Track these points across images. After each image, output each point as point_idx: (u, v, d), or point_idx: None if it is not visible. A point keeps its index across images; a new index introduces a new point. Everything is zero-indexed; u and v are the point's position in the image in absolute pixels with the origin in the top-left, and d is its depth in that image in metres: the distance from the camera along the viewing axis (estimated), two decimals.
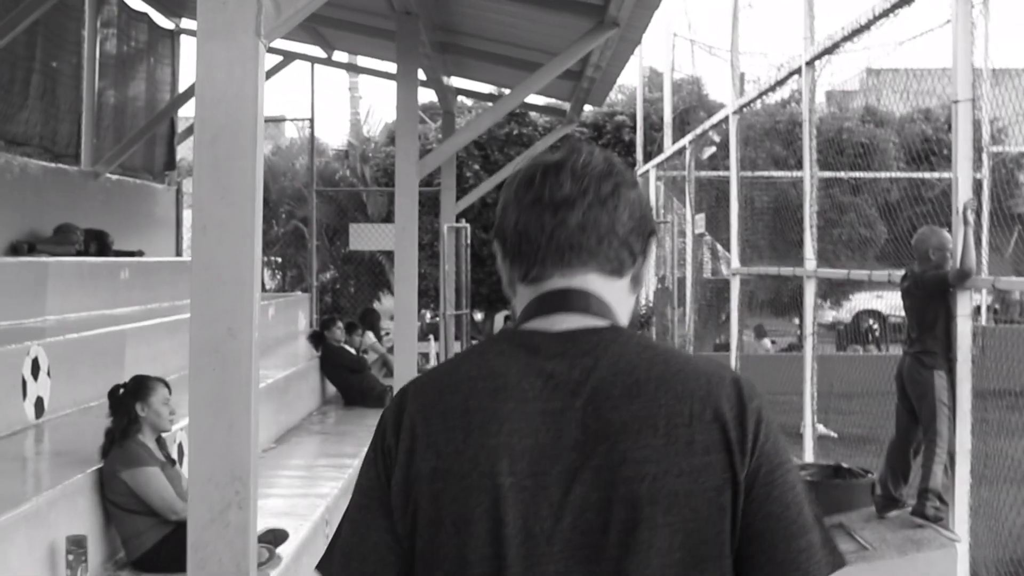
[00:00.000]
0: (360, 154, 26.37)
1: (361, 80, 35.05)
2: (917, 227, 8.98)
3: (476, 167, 23.80)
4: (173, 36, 17.71)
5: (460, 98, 19.78)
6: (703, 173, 17.22)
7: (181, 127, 18.08)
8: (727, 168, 14.28)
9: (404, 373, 9.41)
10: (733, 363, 13.39)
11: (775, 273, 13.12)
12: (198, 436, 3.78)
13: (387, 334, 17.03)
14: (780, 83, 11.61)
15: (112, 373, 8.32)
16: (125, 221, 14.71)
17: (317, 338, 14.52)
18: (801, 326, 23.08)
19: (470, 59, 13.69)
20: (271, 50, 16.39)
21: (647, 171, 21.18)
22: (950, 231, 7.93)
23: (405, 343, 9.70)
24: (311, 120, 20.96)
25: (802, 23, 10.71)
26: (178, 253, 17.52)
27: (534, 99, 16.57)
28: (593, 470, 1.76)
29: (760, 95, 12.48)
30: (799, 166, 19.44)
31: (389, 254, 20.79)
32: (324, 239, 24.66)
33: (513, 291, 1.98)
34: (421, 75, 13.71)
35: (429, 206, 21.72)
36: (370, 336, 16.08)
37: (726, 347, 19.07)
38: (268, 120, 34.69)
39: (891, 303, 23.90)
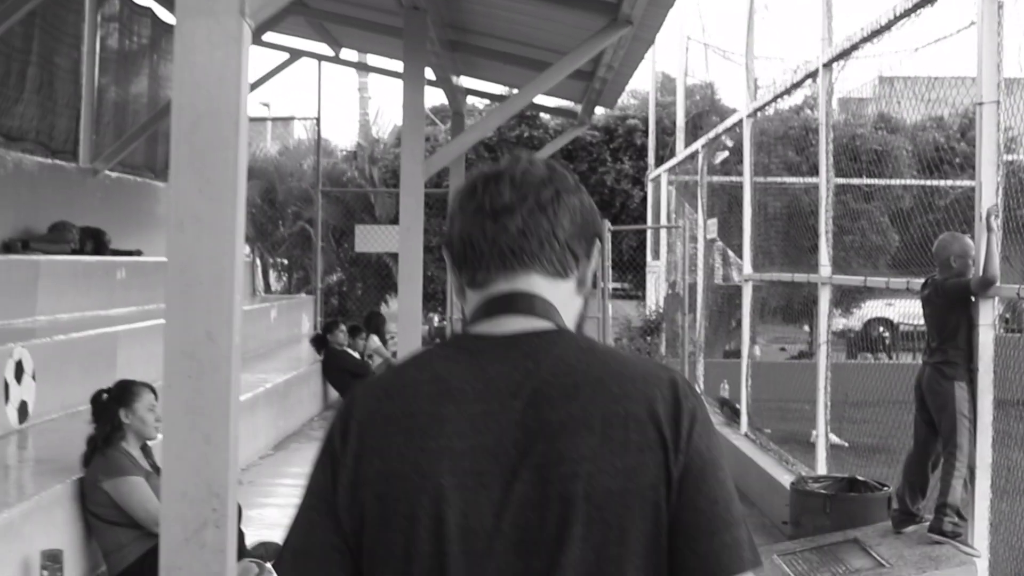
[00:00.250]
0: (369, 155, 26.25)
1: (371, 81, 34.99)
2: (928, 235, 8.79)
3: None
4: None
5: (472, 101, 19.54)
6: (715, 178, 17.00)
7: None
8: (739, 173, 14.10)
9: None
10: (743, 370, 13.20)
11: (789, 279, 12.87)
12: (172, 449, 3.51)
13: (392, 338, 16.81)
14: (796, 85, 11.37)
15: (102, 376, 8.02)
16: (124, 219, 14.43)
17: (319, 341, 14.33)
18: (812, 333, 23.08)
19: (480, 58, 13.50)
20: (277, 47, 16.21)
21: (659, 175, 20.99)
22: (972, 237, 7.73)
23: (409, 347, 9.39)
24: (317, 119, 20.76)
25: (820, 24, 10.46)
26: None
27: (545, 100, 16.34)
28: (532, 469, 1.82)
29: (775, 98, 12.23)
30: (812, 172, 19.34)
31: (396, 256, 20.58)
32: (331, 241, 24.53)
33: (463, 297, 2.05)
34: (430, 74, 13.64)
35: (438, 208, 21.54)
36: (375, 340, 15.89)
37: (736, 354, 18.91)
38: (276, 120, 34.91)
39: (902, 311, 23.93)
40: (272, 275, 27.25)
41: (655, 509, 1.81)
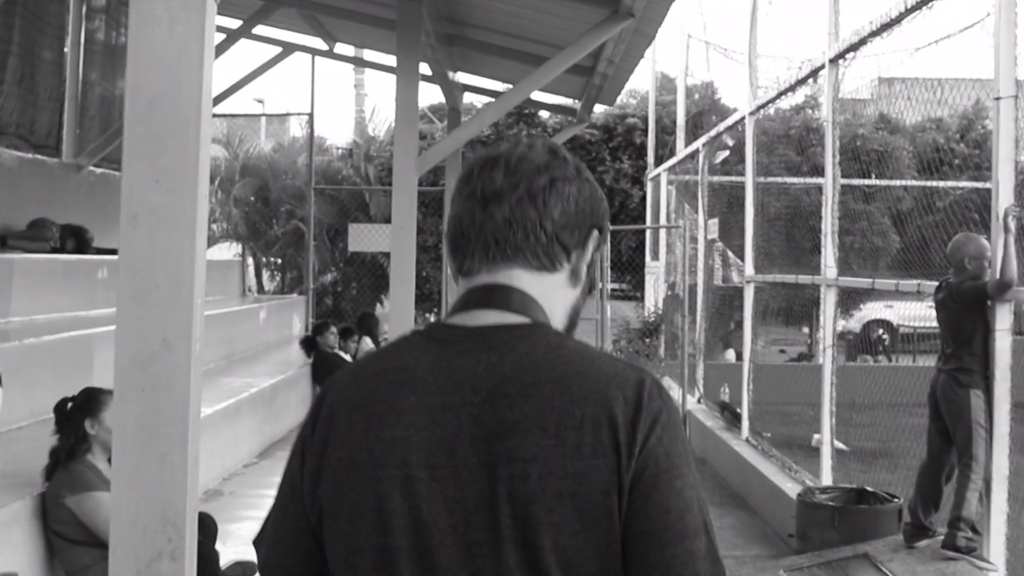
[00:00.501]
0: (365, 153, 26.03)
1: (367, 78, 34.83)
2: (927, 236, 8.53)
3: None
4: None
5: (471, 100, 19.29)
6: (716, 178, 16.77)
7: None
8: (739, 173, 13.90)
9: None
10: (745, 373, 13.03)
11: (792, 281, 12.60)
12: (123, 471, 3.17)
13: (385, 339, 16.48)
14: (802, 81, 11.13)
15: (77, 382, 7.53)
16: (108, 217, 13.95)
17: (309, 344, 14.00)
18: (811, 336, 22.89)
19: (478, 52, 13.25)
20: (269, 40, 15.90)
21: (658, 175, 20.82)
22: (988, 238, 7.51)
23: None
24: (311, 115, 20.43)
25: (826, 19, 10.21)
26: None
27: (544, 97, 16.13)
28: (484, 467, 1.78)
29: (780, 94, 11.98)
30: (812, 173, 19.16)
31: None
32: (326, 240, 24.30)
33: (457, 284, 2.03)
34: (427, 70, 13.38)
35: (434, 207, 21.28)
36: (367, 342, 15.58)
37: (736, 356, 18.68)
38: (270, 116, 34.71)
39: (901, 313, 23.78)
40: (265, 275, 26.94)
41: (607, 516, 1.75)
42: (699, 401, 16.12)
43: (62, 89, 13.71)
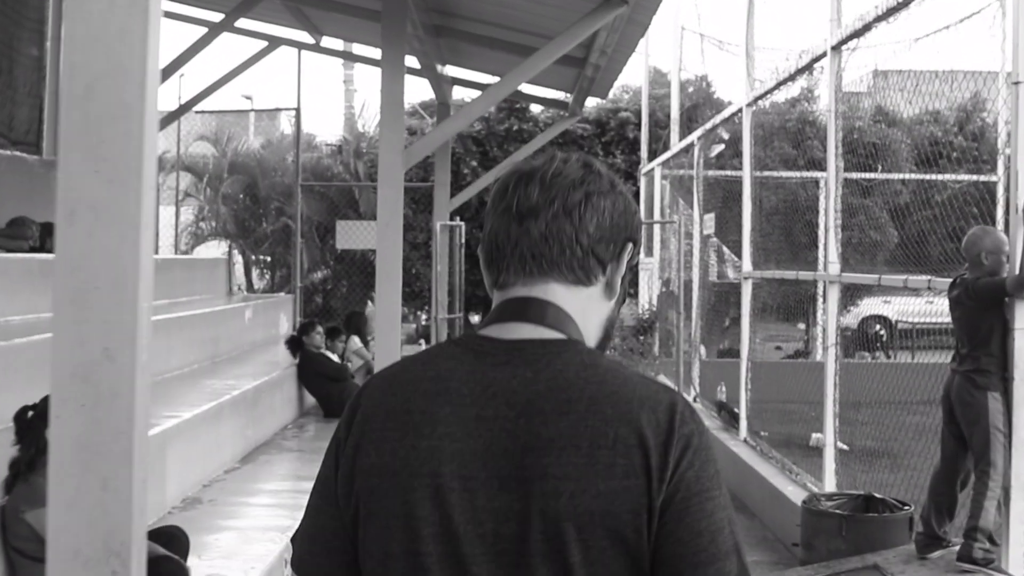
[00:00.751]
0: (354, 149, 25.83)
1: (356, 73, 34.58)
2: (925, 230, 8.23)
3: (474, 163, 23.61)
4: None
5: (461, 95, 19.00)
6: (711, 172, 16.51)
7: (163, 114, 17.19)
8: (734, 167, 13.67)
9: None
10: (743, 370, 12.84)
11: (793, 277, 12.33)
12: (60, 496, 2.80)
13: (373, 338, 16.17)
14: (802, 71, 10.86)
15: (48, 387, 7.22)
16: None
17: (295, 344, 13.67)
18: (808, 332, 22.65)
19: (467, 44, 13.04)
20: (253, 34, 15.56)
21: (652, 169, 20.61)
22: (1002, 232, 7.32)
23: (387, 348, 8.75)
24: (297, 111, 20.10)
25: (828, 5, 9.91)
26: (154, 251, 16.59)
27: (535, 91, 15.87)
28: (517, 480, 1.80)
29: (779, 84, 11.70)
30: (808, 167, 18.92)
31: None
32: (315, 237, 24.07)
33: (492, 296, 2.05)
34: (415, 63, 13.07)
35: (424, 203, 21.02)
36: (355, 341, 15.27)
37: (730, 353, 18.44)
38: (259, 112, 34.42)
39: (899, 308, 23.54)
40: (255, 273, 26.68)
41: (636, 536, 1.77)
42: (695, 400, 15.82)
43: (42, 85, 13.44)
